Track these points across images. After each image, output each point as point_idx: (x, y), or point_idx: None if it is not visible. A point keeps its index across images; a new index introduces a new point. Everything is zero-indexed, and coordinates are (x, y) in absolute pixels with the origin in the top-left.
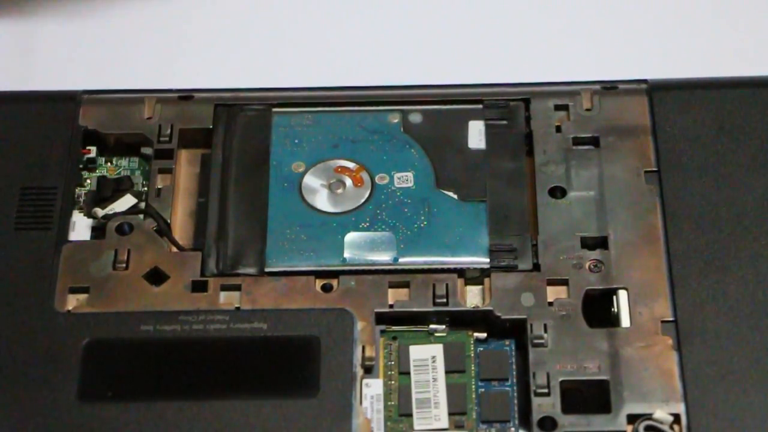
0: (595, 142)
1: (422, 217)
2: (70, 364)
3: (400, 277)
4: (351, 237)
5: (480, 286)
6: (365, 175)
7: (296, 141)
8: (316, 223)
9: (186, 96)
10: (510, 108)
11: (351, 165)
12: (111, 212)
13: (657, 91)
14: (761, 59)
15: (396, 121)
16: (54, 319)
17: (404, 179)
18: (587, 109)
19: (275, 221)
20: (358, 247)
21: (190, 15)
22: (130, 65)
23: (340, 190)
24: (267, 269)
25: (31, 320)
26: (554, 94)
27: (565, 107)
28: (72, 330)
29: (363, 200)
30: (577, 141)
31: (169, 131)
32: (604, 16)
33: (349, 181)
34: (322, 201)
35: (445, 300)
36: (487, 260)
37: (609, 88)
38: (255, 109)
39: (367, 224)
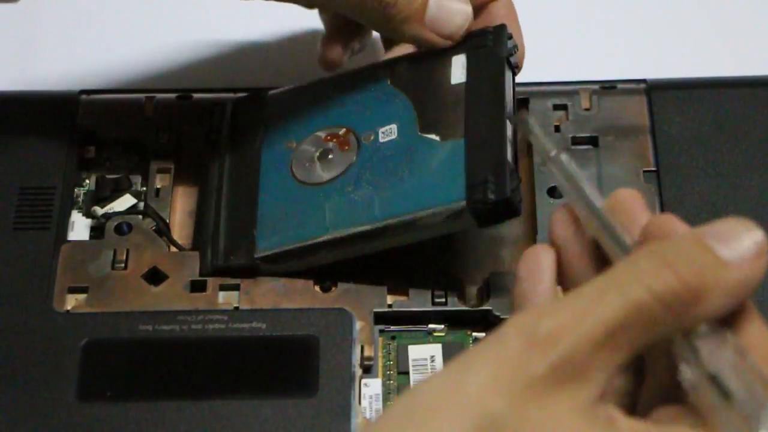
0: (593, 141)
1: (405, 168)
2: (68, 364)
3: (399, 280)
4: (333, 203)
5: (479, 286)
6: (352, 138)
7: (288, 118)
8: (304, 196)
9: (185, 96)
10: (492, 31)
11: (339, 130)
12: (111, 211)
13: (656, 90)
14: (761, 59)
15: (385, 74)
16: (53, 319)
17: (388, 132)
18: (586, 109)
19: (265, 203)
20: (340, 211)
21: (189, 16)
22: (130, 65)
23: (330, 157)
24: (258, 255)
25: (29, 320)
26: (553, 94)
27: (563, 107)
28: (71, 330)
29: (349, 164)
30: (576, 141)
31: (168, 131)
32: (603, 16)
33: (336, 147)
34: (311, 172)
35: (444, 300)
36: (463, 196)
37: (608, 87)
38: (246, 99)
39: (352, 187)
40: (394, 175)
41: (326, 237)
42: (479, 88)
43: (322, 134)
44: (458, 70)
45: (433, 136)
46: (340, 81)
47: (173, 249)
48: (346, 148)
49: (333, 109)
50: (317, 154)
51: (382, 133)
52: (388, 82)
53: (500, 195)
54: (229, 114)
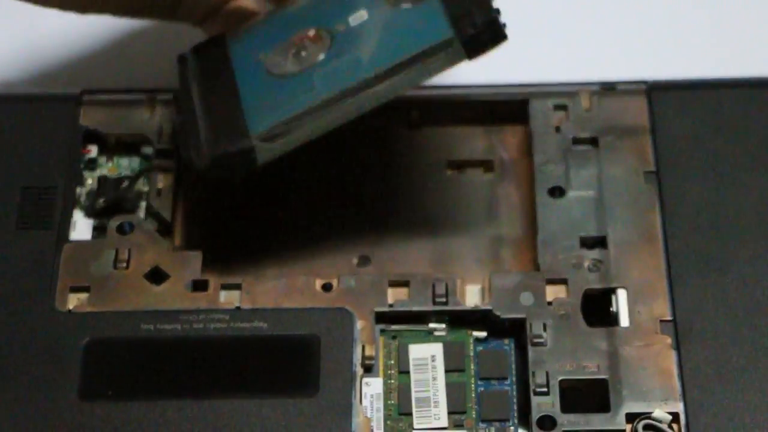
0: (594, 142)
1: (384, 38)
2: (70, 364)
3: (400, 277)
4: (319, 72)
5: (479, 286)
6: (323, 33)
7: (252, 37)
8: (287, 84)
9: None
10: None
11: (310, 32)
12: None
13: (656, 91)
14: (761, 59)
15: None
16: (55, 319)
17: (359, 17)
18: (586, 110)
19: (247, 99)
20: (327, 75)
21: None
22: (131, 65)
23: (302, 53)
24: (253, 135)
25: (31, 319)
26: (553, 94)
27: (564, 107)
28: (72, 329)
29: (325, 51)
30: (577, 141)
31: (169, 131)
32: (603, 16)
33: (309, 43)
34: (288, 67)
35: (444, 299)
36: (449, 28)
37: (608, 88)
38: (208, 42)
39: (335, 60)
40: (373, 44)
41: (319, 100)
42: None
43: (292, 40)
44: None
45: (405, 5)
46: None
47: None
48: (319, 42)
49: (294, 16)
50: (292, 54)
51: (353, 19)
52: None
53: (487, 16)
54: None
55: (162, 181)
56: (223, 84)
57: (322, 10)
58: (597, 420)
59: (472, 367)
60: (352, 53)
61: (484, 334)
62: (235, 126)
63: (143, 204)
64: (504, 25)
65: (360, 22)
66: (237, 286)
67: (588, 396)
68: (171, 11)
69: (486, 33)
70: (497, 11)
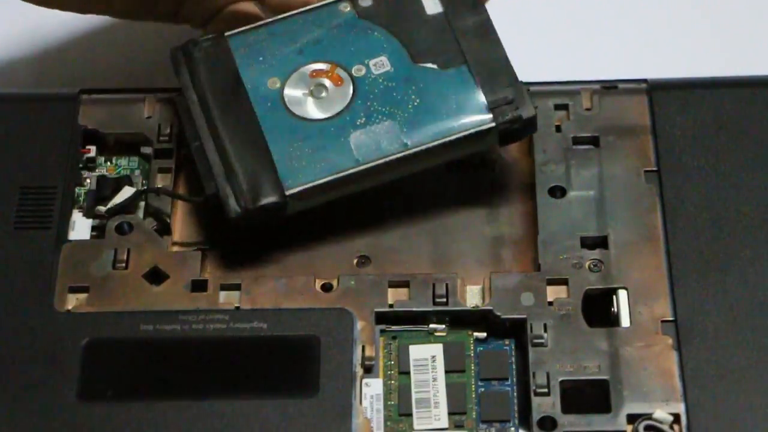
0: (594, 141)
1: (412, 96)
2: (69, 364)
3: (400, 277)
4: (355, 136)
5: (480, 286)
6: (341, 72)
7: (260, 58)
8: (315, 133)
9: None
10: None
11: (324, 66)
12: (113, 205)
13: (657, 90)
14: (761, 59)
15: (348, 9)
16: (54, 319)
17: (380, 64)
18: (587, 109)
19: (275, 143)
20: (365, 143)
21: None
22: (130, 64)
23: (323, 94)
24: (288, 192)
25: (30, 320)
26: (554, 94)
27: (564, 107)
28: (72, 329)
29: (349, 97)
30: (577, 140)
31: (168, 130)
32: (604, 15)
33: (328, 83)
34: (310, 109)
35: (444, 300)
36: (490, 117)
37: (609, 87)
38: (209, 39)
39: (363, 119)
40: (403, 104)
41: (358, 168)
42: (461, 15)
43: (306, 70)
44: (429, 1)
45: (430, 65)
46: (300, 18)
47: (174, 248)
48: (340, 83)
49: (306, 45)
50: (310, 90)
51: (374, 65)
52: (356, 16)
53: (528, 112)
54: (193, 57)
55: (161, 182)
56: (243, 115)
57: (336, 45)
58: (598, 421)
59: (473, 367)
60: (386, 115)
61: (484, 334)
62: (270, 179)
63: (142, 204)
64: (536, 116)
65: (383, 71)
66: (236, 287)
67: (589, 397)
68: (172, 15)
69: (526, 128)
70: (536, 107)
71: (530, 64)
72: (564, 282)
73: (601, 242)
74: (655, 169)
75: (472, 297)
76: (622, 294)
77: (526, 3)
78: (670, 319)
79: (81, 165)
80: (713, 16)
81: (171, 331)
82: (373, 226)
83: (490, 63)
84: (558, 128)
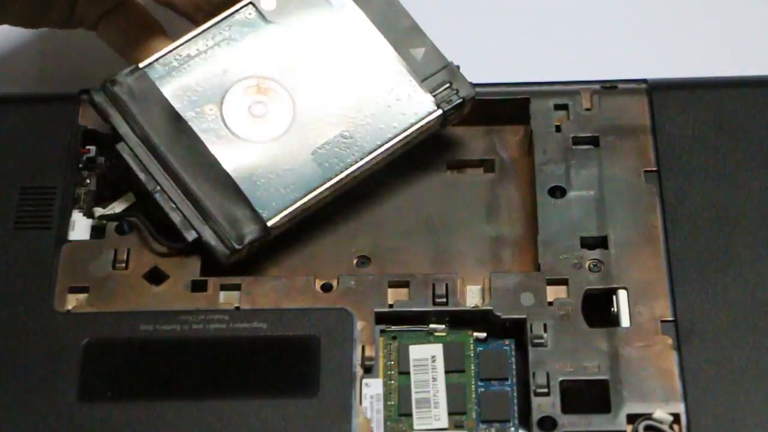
0: (594, 141)
1: (353, 100)
2: (69, 364)
3: (400, 277)
4: (314, 150)
5: (480, 286)
6: (272, 84)
7: (187, 85)
8: (273, 154)
9: None
10: None
11: (253, 82)
12: (111, 212)
13: (657, 90)
14: (761, 59)
15: (253, 16)
16: (53, 319)
17: (307, 69)
18: (587, 109)
19: (238, 173)
20: (326, 157)
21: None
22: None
23: (263, 112)
24: (269, 223)
25: (30, 320)
26: (554, 94)
27: (564, 107)
28: (72, 330)
29: (291, 110)
30: (577, 141)
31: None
32: (604, 15)
33: (263, 98)
34: (258, 131)
35: (444, 300)
36: (434, 105)
37: (609, 87)
38: (127, 74)
39: (316, 130)
40: (347, 109)
41: (328, 183)
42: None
43: (237, 89)
44: None
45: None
46: (209, 34)
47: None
48: (275, 95)
49: (227, 62)
50: (249, 110)
51: (301, 71)
52: (264, 20)
53: (467, 91)
54: (117, 96)
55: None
56: (194, 151)
57: (250, 49)
58: (598, 421)
59: (473, 367)
60: (334, 125)
61: (484, 334)
62: (247, 215)
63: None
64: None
65: (313, 76)
66: (236, 287)
67: (589, 397)
68: (67, 19)
69: (464, 107)
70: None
71: (530, 64)
72: (564, 282)
73: (601, 242)
74: (655, 169)
75: (472, 297)
76: (622, 294)
77: (526, 3)
78: (670, 319)
79: (81, 165)
80: (713, 16)
81: (171, 332)
82: (373, 226)
83: (417, 51)
84: (558, 128)
